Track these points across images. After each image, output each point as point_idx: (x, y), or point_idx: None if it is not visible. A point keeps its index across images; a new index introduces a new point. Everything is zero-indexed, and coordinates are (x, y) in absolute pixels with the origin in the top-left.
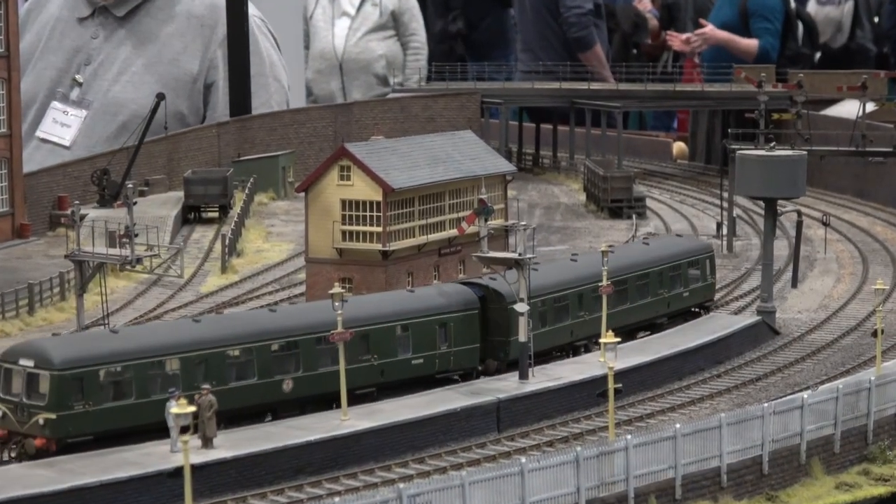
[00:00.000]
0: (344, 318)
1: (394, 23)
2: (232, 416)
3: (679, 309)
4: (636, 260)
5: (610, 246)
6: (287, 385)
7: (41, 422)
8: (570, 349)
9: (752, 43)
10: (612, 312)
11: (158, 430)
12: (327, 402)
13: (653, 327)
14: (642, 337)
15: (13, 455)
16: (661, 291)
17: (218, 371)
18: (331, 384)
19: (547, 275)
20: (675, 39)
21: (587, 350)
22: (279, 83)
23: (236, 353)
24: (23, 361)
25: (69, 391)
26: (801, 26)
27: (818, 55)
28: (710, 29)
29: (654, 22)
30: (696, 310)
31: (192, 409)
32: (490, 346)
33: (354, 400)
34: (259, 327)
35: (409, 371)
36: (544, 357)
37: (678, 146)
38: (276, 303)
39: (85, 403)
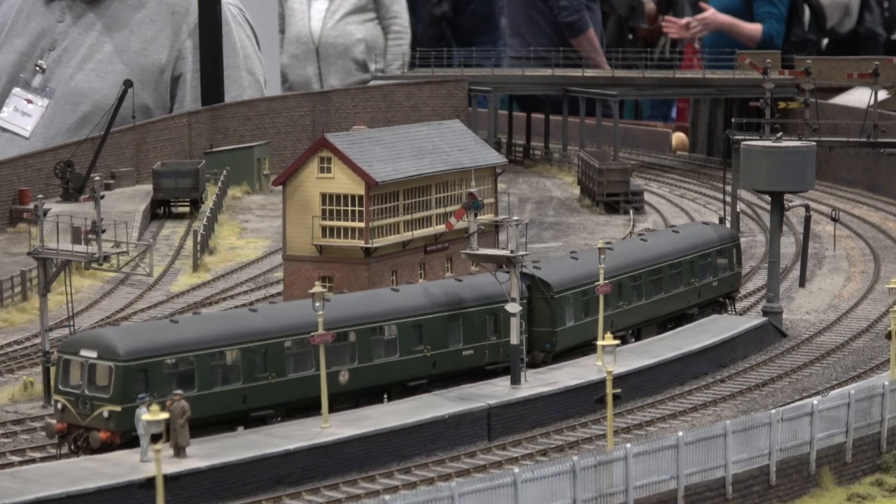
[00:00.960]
0: (397, 308)
1: (374, 5)
2: (290, 410)
3: (709, 299)
4: (669, 248)
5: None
6: (343, 377)
7: (106, 414)
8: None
9: (755, 28)
10: (648, 303)
11: (220, 423)
12: (379, 394)
13: (683, 318)
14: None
15: (72, 448)
16: (693, 281)
17: (277, 362)
18: (385, 376)
19: (586, 263)
20: (673, 25)
21: (624, 342)
22: (253, 76)
23: (294, 343)
24: (84, 352)
25: (134, 382)
26: (807, 10)
27: (825, 41)
28: (711, 13)
29: (650, 5)
30: (724, 300)
31: (165, 416)
32: (536, 337)
33: (407, 392)
34: (345, 313)
35: (460, 362)
36: (584, 350)
37: (678, 137)
38: (251, 303)
39: (150, 395)
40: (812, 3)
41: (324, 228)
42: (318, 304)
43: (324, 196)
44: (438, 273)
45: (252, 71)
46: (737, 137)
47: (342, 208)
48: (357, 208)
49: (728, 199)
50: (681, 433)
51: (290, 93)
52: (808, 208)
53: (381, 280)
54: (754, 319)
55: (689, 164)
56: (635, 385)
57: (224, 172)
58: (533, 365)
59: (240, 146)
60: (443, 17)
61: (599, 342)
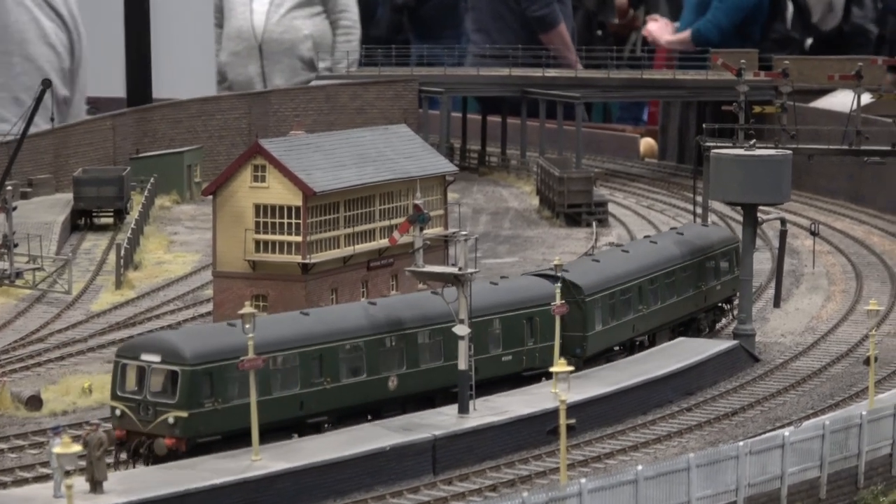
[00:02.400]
0: (442, 313)
1: None
2: (342, 416)
3: (713, 303)
4: (679, 251)
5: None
6: (392, 383)
7: (171, 420)
8: (630, 345)
9: (684, 36)
10: (664, 307)
11: (279, 430)
12: (424, 400)
13: (693, 322)
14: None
15: (132, 456)
16: (700, 284)
17: (332, 367)
18: (431, 381)
19: (609, 265)
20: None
21: (642, 347)
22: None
23: (349, 348)
24: (145, 357)
25: (200, 388)
26: (790, 6)
27: (810, 39)
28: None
29: None
30: (723, 305)
31: (78, 448)
32: (566, 342)
33: (450, 398)
34: (369, 321)
35: (499, 368)
36: (609, 354)
37: (646, 142)
38: (178, 323)
39: (214, 401)
40: None
41: (257, 242)
42: (247, 325)
43: (257, 207)
44: (382, 291)
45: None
46: (708, 144)
47: (277, 221)
48: (294, 221)
49: (699, 210)
50: (640, 467)
51: (224, 93)
52: (783, 222)
53: (320, 299)
54: (724, 343)
55: (658, 172)
56: (594, 414)
57: (151, 180)
58: None
59: (169, 151)
60: (404, 6)
61: (553, 368)
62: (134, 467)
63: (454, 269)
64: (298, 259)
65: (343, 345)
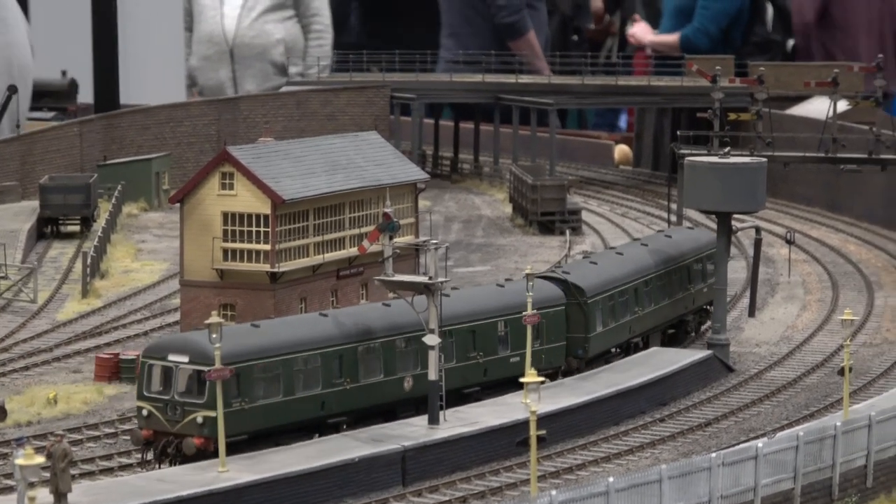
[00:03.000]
0: (451, 314)
1: (293, 1)
2: (360, 416)
3: (699, 305)
4: (670, 253)
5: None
6: (408, 383)
7: (200, 420)
8: (626, 347)
9: (672, 38)
10: (657, 308)
11: (300, 430)
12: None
13: (682, 324)
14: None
15: (159, 456)
16: (689, 287)
17: (351, 367)
18: (448, 382)
19: (607, 268)
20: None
21: (637, 349)
22: None
23: (365, 349)
24: (173, 357)
25: (228, 387)
26: (770, 9)
27: (791, 42)
28: (638, 36)
29: (597, 4)
30: (708, 307)
31: (41, 460)
32: (569, 343)
33: (460, 400)
34: (385, 322)
35: (508, 370)
36: (607, 355)
37: (621, 150)
38: (146, 332)
39: (242, 401)
40: (776, 1)
41: (225, 251)
42: (214, 335)
43: (225, 215)
44: (352, 300)
45: None
46: (683, 151)
47: (246, 229)
48: (262, 229)
49: (674, 218)
50: (612, 479)
51: (193, 99)
52: (758, 230)
53: (289, 308)
54: (698, 353)
55: (633, 179)
56: (566, 425)
57: (119, 187)
58: (567, 373)
59: (137, 158)
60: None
61: (524, 379)
62: (159, 467)
63: (424, 279)
64: (267, 268)
65: (362, 345)
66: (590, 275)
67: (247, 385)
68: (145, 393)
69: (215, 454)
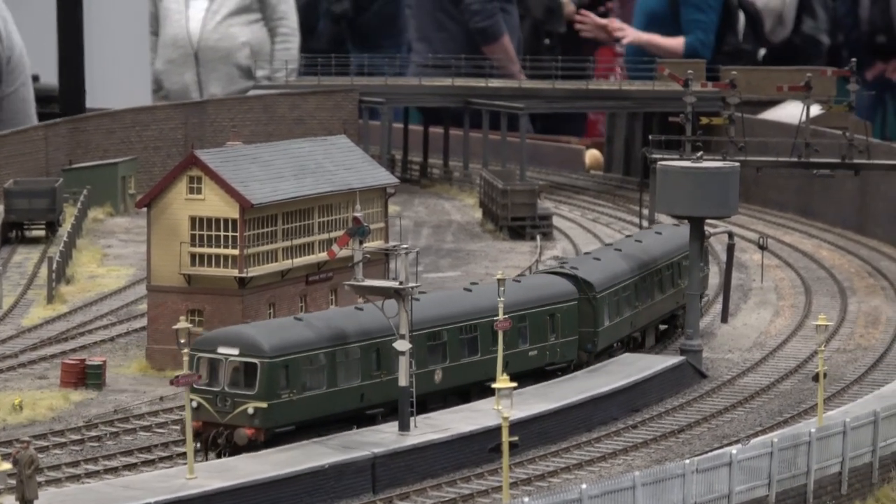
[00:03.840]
0: (475, 309)
1: (259, 4)
2: (395, 408)
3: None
4: (664, 249)
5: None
6: (437, 376)
7: (251, 411)
8: (627, 342)
9: (676, 42)
10: (654, 304)
11: (343, 421)
12: (463, 394)
13: (674, 319)
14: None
15: (210, 446)
16: (680, 282)
17: (387, 360)
18: (469, 375)
19: (610, 263)
20: (589, 22)
21: (636, 343)
22: None
23: (460, 334)
24: (223, 350)
25: (278, 379)
26: (742, 17)
27: (763, 51)
28: (629, 32)
29: (570, 7)
30: (677, 313)
31: (7, 466)
32: (580, 337)
33: (484, 392)
34: (418, 315)
35: (526, 363)
36: (610, 350)
37: (592, 154)
38: (112, 338)
39: (290, 392)
40: (748, 8)
41: (193, 256)
42: (182, 340)
43: (193, 220)
44: (321, 305)
45: None
46: (654, 156)
47: (214, 233)
48: (230, 233)
49: (645, 223)
50: (584, 486)
51: (159, 103)
52: (730, 235)
53: (257, 314)
54: (671, 358)
55: (604, 184)
56: (538, 431)
57: (84, 192)
58: (578, 366)
59: (103, 162)
60: (342, 16)
61: (495, 385)
62: (206, 459)
63: (395, 284)
64: (235, 273)
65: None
66: (596, 270)
67: (295, 377)
68: (194, 385)
69: (265, 444)
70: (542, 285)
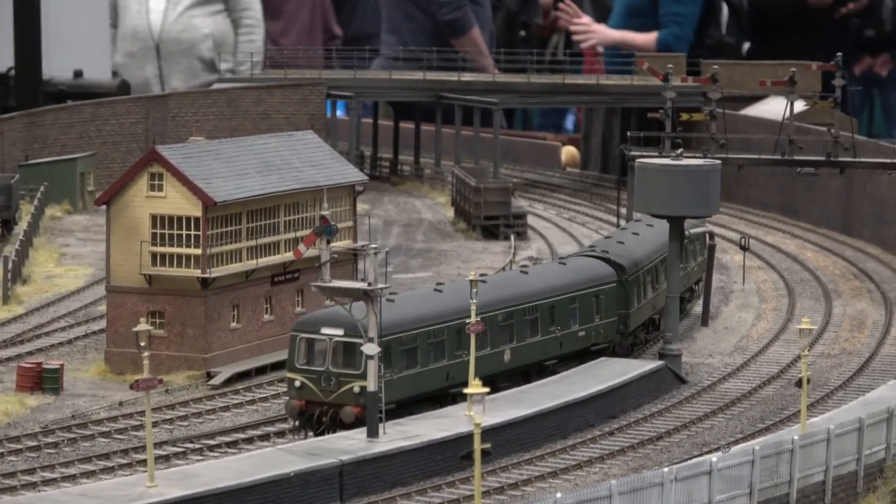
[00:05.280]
0: (533, 291)
1: None
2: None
3: (688, 285)
4: (664, 240)
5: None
6: (507, 356)
7: (357, 390)
8: (650, 324)
9: (648, 38)
10: (662, 291)
11: (429, 400)
12: (525, 374)
13: (682, 302)
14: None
15: (315, 424)
16: (686, 266)
17: (467, 339)
18: (532, 355)
19: (635, 246)
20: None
21: (654, 326)
22: None
23: (525, 315)
24: (327, 330)
25: (383, 358)
26: (725, 10)
27: (747, 45)
28: (600, 29)
29: None
30: (693, 287)
31: None
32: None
33: (542, 372)
34: (550, 285)
35: (577, 343)
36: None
37: (568, 151)
38: (70, 341)
39: (391, 371)
40: (732, 2)
41: (154, 255)
42: (142, 343)
43: (154, 218)
44: (287, 307)
45: None
46: (633, 153)
47: (175, 232)
48: (193, 232)
49: (623, 223)
50: (559, 495)
51: (119, 97)
52: (711, 235)
53: (220, 316)
54: (649, 363)
55: (581, 182)
56: (511, 438)
57: (41, 188)
58: (614, 348)
59: (61, 158)
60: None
61: (467, 390)
62: (305, 437)
63: (363, 285)
64: (197, 273)
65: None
66: (625, 254)
67: (396, 356)
68: (297, 365)
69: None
70: (585, 268)
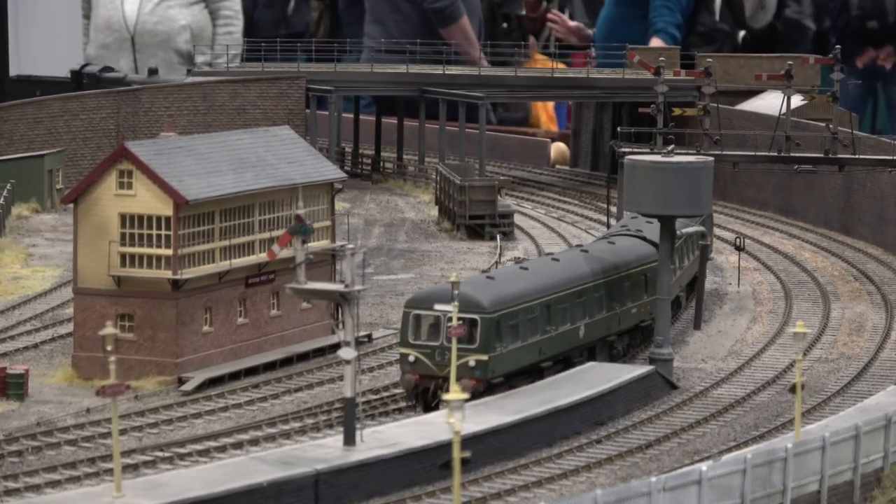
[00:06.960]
0: (591, 270)
1: None
2: (556, 362)
3: (688, 281)
4: (679, 225)
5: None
6: (581, 331)
7: (472, 364)
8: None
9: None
10: (682, 272)
11: (523, 374)
12: (589, 349)
13: (692, 283)
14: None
15: (425, 396)
16: (685, 262)
17: (556, 315)
18: (598, 332)
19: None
20: (560, 23)
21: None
22: None
23: (561, 298)
24: (440, 307)
25: (495, 333)
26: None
27: (742, 34)
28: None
29: None
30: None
31: None
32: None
33: (607, 347)
34: (609, 263)
35: (631, 319)
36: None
37: (557, 148)
38: (36, 345)
39: (503, 345)
40: None
41: (123, 256)
42: (109, 347)
43: (123, 217)
44: (262, 310)
45: None
46: (623, 150)
47: (145, 232)
48: (163, 232)
49: (613, 222)
50: None
51: (89, 91)
52: (703, 235)
53: (192, 319)
54: (638, 368)
55: (570, 180)
56: (494, 446)
57: (7, 186)
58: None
59: (27, 155)
60: None
61: (447, 396)
62: (415, 414)
63: (340, 287)
64: (168, 275)
65: (558, 296)
66: (656, 234)
67: (506, 331)
68: (411, 341)
69: (483, 394)
70: (631, 247)
